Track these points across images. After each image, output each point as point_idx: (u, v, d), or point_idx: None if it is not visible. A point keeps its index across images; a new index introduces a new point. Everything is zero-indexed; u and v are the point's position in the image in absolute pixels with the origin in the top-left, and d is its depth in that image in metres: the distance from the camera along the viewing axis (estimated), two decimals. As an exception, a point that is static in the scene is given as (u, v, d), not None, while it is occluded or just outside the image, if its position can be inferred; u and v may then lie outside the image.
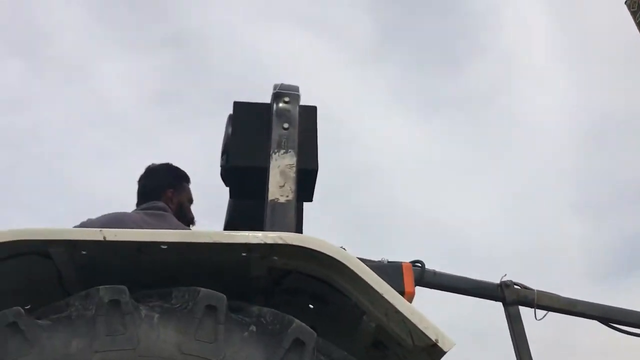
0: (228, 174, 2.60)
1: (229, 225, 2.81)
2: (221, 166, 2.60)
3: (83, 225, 2.38)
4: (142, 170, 2.88)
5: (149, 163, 2.96)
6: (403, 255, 2.63)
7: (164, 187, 2.73)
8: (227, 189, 2.71)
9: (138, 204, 2.70)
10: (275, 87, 2.61)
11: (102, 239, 1.82)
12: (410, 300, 2.24)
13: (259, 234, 1.88)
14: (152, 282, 1.90)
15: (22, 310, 1.67)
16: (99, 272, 1.99)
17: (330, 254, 1.81)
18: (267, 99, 2.60)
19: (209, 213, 3.33)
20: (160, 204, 2.63)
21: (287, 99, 2.55)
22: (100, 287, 1.73)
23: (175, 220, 2.65)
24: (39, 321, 1.69)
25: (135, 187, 2.84)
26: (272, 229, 2.25)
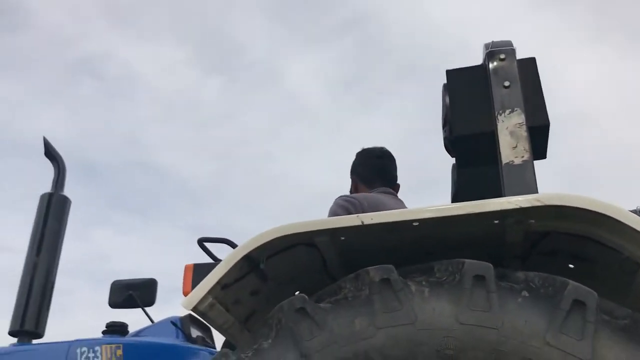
0: (453, 145, 2.58)
1: (458, 196, 2.81)
2: (445, 138, 2.60)
3: (347, 205, 2.55)
4: (362, 151, 3.04)
5: (365, 146, 3.10)
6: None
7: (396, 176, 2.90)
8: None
9: (368, 182, 2.85)
10: (486, 46, 2.52)
11: (359, 223, 1.92)
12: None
13: (513, 199, 1.83)
14: (403, 261, 1.96)
15: (307, 297, 1.83)
16: (355, 256, 2.11)
17: (600, 211, 1.70)
18: (457, 65, 2.56)
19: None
20: (389, 190, 2.79)
21: (502, 56, 2.46)
22: (369, 268, 1.83)
23: (401, 201, 2.76)
24: (321, 305, 1.84)
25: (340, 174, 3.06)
26: (512, 192, 2.20)
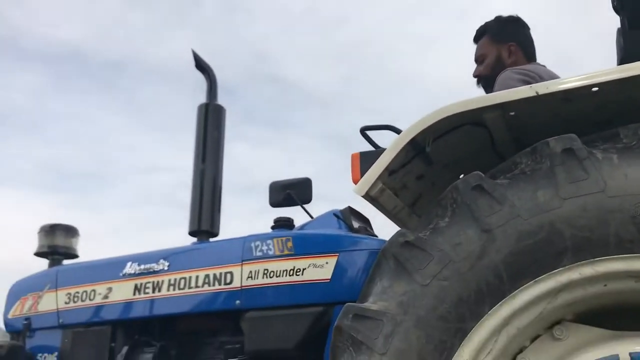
0: (622, 4, 2.33)
1: (626, 62, 2.57)
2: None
3: (524, 78, 2.45)
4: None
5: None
6: None
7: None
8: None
9: (530, 54, 2.72)
10: None
11: (534, 94, 1.83)
12: None
13: None
14: (578, 132, 1.84)
15: (482, 174, 1.80)
16: (526, 131, 2.03)
17: None
18: None
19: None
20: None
21: None
22: (549, 139, 1.75)
23: None
24: (497, 181, 1.80)
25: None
26: None
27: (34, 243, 3.47)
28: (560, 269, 1.66)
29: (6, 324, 3.30)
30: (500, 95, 1.89)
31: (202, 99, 3.27)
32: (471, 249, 1.74)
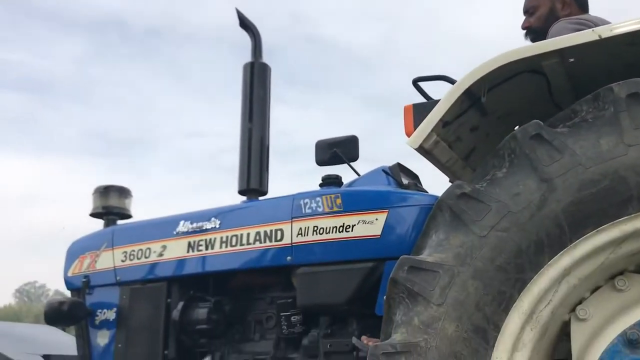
0: None
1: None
2: None
3: (579, 27, 2.37)
4: None
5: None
6: None
7: None
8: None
9: (583, 5, 2.62)
10: None
11: (596, 38, 1.76)
12: None
13: None
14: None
15: (541, 123, 1.75)
16: (586, 78, 1.96)
17: None
18: None
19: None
20: None
21: None
22: (612, 85, 1.69)
23: None
24: (557, 130, 1.75)
25: None
26: None
27: (86, 206, 3.58)
28: (625, 217, 1.62)
29: (66, 282, 3.44)
30: (561, 41, 1.82)
31: (245, 59, 3.25)
32: (530, 199, 1.71)
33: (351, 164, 3.09)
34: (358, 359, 2.49)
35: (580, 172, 1.66)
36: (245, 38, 3.29)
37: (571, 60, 1.87)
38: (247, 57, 3.25)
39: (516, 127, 2.10)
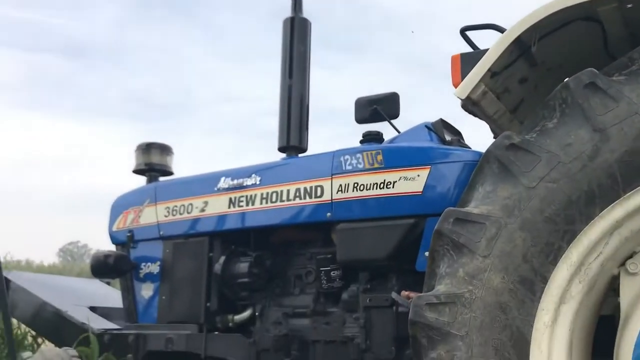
0: None
1: None
2: None
3: None
4: None
5: None
6: None
7: None
8: None
9: None
10: None
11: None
12: None
13: None
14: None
15: (596, 70, 1.69)
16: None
17: None
18: None
19: None
20: None
21: None
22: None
23: None
24: (613, 78, 1.69)
25: None
26: None
27: (128, 165, 3.65)
28: (684, 168, 1.56)
29: (111, 236, 3.53)
30: None
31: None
32: (582, 149, 1.66)
33: (392, 121, 3.06)
34: (398, 313, 2.51)
35: (637, 121, 1.61)
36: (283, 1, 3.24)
37: (629, 5, 1.79)
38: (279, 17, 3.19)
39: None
